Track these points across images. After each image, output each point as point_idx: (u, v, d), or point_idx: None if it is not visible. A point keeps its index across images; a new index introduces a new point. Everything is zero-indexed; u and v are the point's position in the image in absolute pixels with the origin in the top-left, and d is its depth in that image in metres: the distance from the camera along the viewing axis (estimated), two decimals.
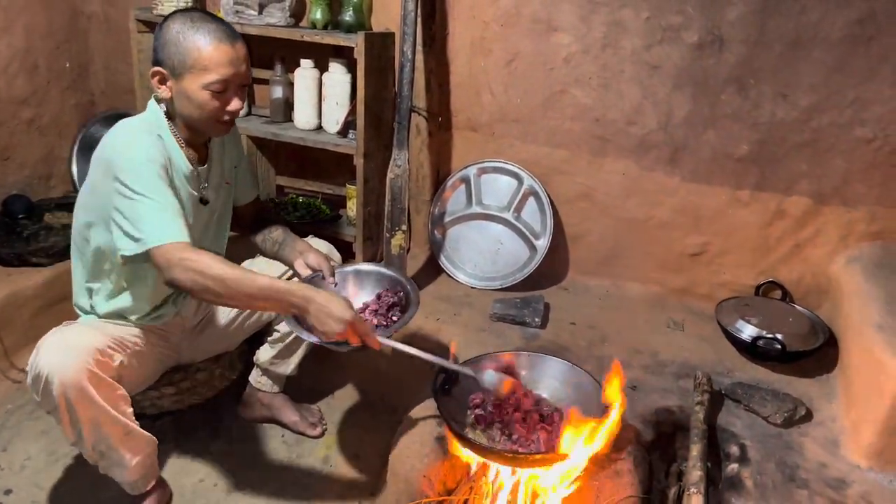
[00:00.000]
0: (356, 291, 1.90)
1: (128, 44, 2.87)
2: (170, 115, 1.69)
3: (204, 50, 1.57)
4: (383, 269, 1.96)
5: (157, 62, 1.62)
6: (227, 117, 1.67)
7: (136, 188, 1.52)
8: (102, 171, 1.58)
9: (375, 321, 1.80)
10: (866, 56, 2.27)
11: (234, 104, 1.66)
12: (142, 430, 1.72)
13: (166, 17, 1.63)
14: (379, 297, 1.87)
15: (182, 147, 1.71)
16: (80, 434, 1.60)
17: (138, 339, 1.79)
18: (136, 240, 1.51)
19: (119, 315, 1.79)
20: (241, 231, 2.07)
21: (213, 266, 1.48)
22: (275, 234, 1.99)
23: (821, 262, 2.54)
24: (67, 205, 2.95)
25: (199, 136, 1.74)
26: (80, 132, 3.24)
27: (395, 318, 1.80)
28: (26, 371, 1.62)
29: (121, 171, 1.53)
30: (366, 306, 1.86)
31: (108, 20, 3.21)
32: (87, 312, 1.82)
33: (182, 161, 1.70)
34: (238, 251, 2.04)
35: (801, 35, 2.31)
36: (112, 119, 3.23)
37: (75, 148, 3.22)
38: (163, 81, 1.63)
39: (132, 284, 1.75)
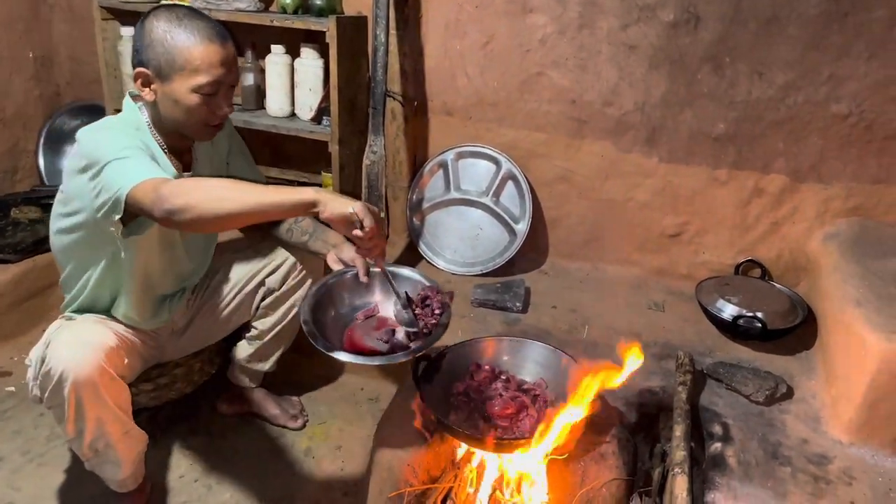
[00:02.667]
0: (385, 296, 1.80)
1: (92, 32, 2.79)
2: (152, 119, 1.61)
3: (194, 50, 1.49)
4: (416, 275, 1.83)
5: (140, 63, 1.52)
6: (215, 121, 1.60)
7: (111, 154, 1.41)
8: (78, 169, 1.48)
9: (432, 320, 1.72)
10: (841, 32, 2.27)
11: (224, 108, 1.59)
12: (138, 428, 1.69)
13: (148, 14, 1.53)
14: (423, 299, 1.76)
15: (164, 152, 1.63)
16: (81, 432, 1.56)
17: (133, 337, 1.75)
18: (115, 202, 1.38)
19: (110, 316, 1.74)
20: (258, 229, 1.95)
21: (206, 182, 1.39)
22: (304, 224, 1.91)
23: (799, 240, 2.55)
24: (35, 199, 2.88)
25: (183, 141, 1.66)
26: (45, 124, 3.17)
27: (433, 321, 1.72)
28: (26, 366, 1.57)
29: (97, 156, 1.43)
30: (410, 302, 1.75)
31: (71, 9, 3.13)
32: (78, 311, 1.75)
33: (167, 164, 1.62)
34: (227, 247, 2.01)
35: (776, 12, 2.30)
36: (79, 110, 3.20)
37: (41, 140, 3.16)
38: (147, 84, 1.54)
39: (135, 290, 1.70)
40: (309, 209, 1.39)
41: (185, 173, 1.69)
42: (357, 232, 1.42)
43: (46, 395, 1.52)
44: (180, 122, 1.58)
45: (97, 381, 1.48)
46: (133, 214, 1.43)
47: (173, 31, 1.49)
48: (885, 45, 2.25)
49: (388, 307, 1.78)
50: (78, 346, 1.50)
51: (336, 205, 1.38)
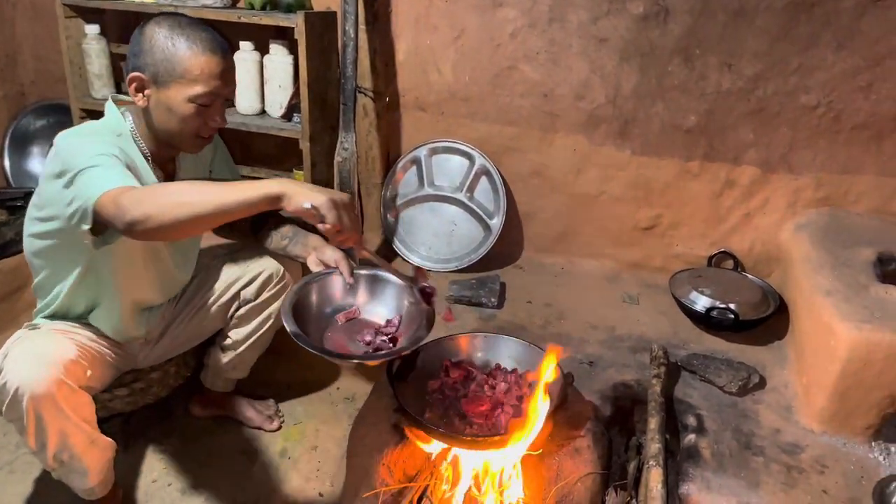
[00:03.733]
0: (368, 298, 1.76)
1: (56, 30, 2.74)
2: (138, 126, 1.58)
3: (195, 60, 1.47)
4: (397, 279, 1.77)
5: (136, 67, 1.50)
6: (207, 133, 1.57)
7: (84, 161, 1.37)
8: (53, 175, 1.43)
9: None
10: (809, 22, 2.29)
11: (218, 120, 1.56)
12: (104, 437, 1.65)
13: (150, 20, 1.51)
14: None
15: (147, 160, 1.59)
16: (43, 445, 1.51)
17: (100, 346, 1.71)
18: (83, 212, 1.35)
19: (83, 323, 1.71)
20: (239, 234, 1.94)
21: (166, 188, 1.35)
22: (283, 229, 1.87)
23: (770, 231, 2.57)
24: (1, 201, 2.82)
25: (169, 150, 1.63)
26: (10, 125, 3.11)
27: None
28: None
29: (72, 164, 1.39)
30: (388, 323, 1.72)
31: (34, 6, 3.06)
32: (50, 317, 1.71)
33: (148, 173, 1.58)
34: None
35: (744, 4, 2.31)
36: (44, 110, 3.14)
37: (6, 141, 3.09)
38: (140, 89, 1.51)
39: (123, 302, 1.67)
40: (274, 203, 1.35)
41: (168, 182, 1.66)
42: (321, 225, 1.39)
43: (4, 408, 1.47)
44: (171, 131, 1.55)
45: (55, 394, 1.44)
46: (104, 224, 1.39)
47: (175, 38, 1.47)
48: (852, 35, 2.27)
49: (369, 309, 1.75)
50: (33, 360, 1.46)
51: (299, 198, 1.35)
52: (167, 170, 1.68)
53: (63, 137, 1.48)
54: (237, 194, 1.33)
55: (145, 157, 1.58)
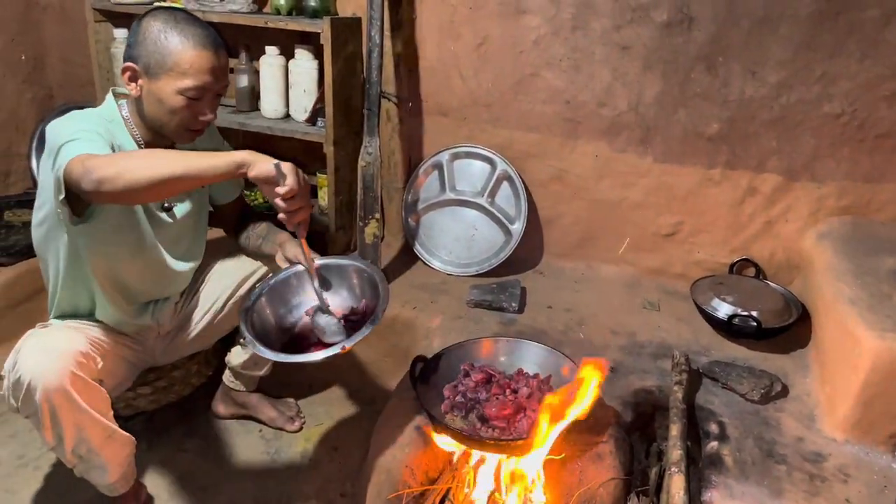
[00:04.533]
0: (333, 288, 1.78)
1: (85, 34, 2.79)
2: (133, 115, 1.63)
3: (185, 53, 1.51)
4: (357, 263, 1.82)
5: (130, 58, 1.55)
6: (196, 126, 1.61)
7: (63, 138, 1.42)
8: (46, 159, 1.49)
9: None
10: (833, 31, 2.28)
11: (207, 115, 1.61)
12: (122, 432, 1.67)
13: (147, 13, 1.56)
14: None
15: (140, 147, 1.64)
16: (60, 438, 1.54)
17: (115, 342, 1.74)
18: (57, 182, 1.38)
19: (94, 320, 1.74)
20: (226, 230, 2.02)
21: (135, 152, 1.40)
22: (259, 229, 1.93)
23: (792, 239, 2.56)
24: (28, 202, 2.87)
25: (162, 140, 1.67)
26: (38, 127, 3.16)
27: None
28: (1, 375, 1.56)
29: (55, 135, 1.46)
30: (352, 311, 1.76)
31: (63, 10, 3.12)
32: (61, 316, 1.75)
33: None
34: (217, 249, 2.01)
35: (769, 12, 2.31)
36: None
37: (34, 143, 3.14)
38: (134, 79, 1.56)
39: (107, 291, 1.70)
40: (239, 169, 1.40)
41: None
42: (277, 189, 1.43)
43: (20, 404, 1.50)
44: (162, 122, 1.59)
45: (68, 387, 1.46)
46: (85, 203, 1.45)
47: (168, 31, 1.52)
48: (876, 44, 2.27)
49: (335, 299, 1.76)
50: (44, 352, 1.48)
51: (262, 164, 1.41)
52: None
53: (51, 123, 1.53)
54: (204, 160, 1.38)
55: (139, 144, 1.64)
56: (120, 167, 1.31)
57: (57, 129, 1.49)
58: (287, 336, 1.74)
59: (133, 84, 1.57)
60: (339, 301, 1.76)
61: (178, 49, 1.51)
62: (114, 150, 1.52)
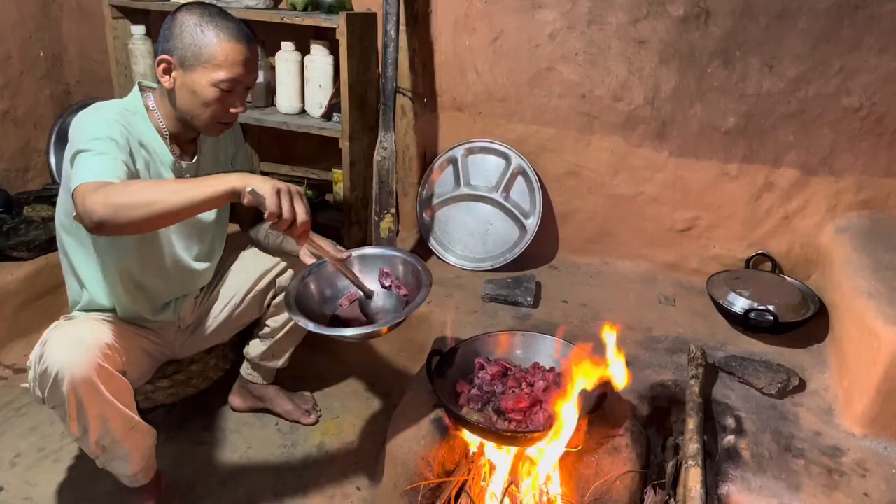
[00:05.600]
0: (365, 276, 1.81)
1: (102, 31, 2.81)
2: (161, 107, 1.66)
3: (221, 46, 1.55)
4: (387, 251, 1.88)
5: (165, 51, 1.58)
6: (227, 118, 1.65)
7: (80, 144, 1.45)
8: (68, 156, 1.52)
9: (404, 291, 1.78)
10: (852, 25, 2.26)
11: (238, 107, 1.64)
12: (144, 423, 1.69)
13: (181, 7, 1.59)
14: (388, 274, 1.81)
15: (164, 138, 1.67)
16: (85, 429, 1.56)
17: (136, 335, 1.76)
18: (70, 198, 1.42)
19: (115, 315, 1.76)
20: (242, 225, 2.04)
21: (131, 187, 1.38)
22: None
23: (810, 233, 2.55)
24: (46, 197, 2.90)
25: (189, 131, 1.71)
26: (56, 123, 3.18)
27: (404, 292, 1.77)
28: (27, 367, 1.58)
29: (74, 134, 1.49)
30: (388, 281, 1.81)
31: (80, 7, 3.14)
32: (83, 310, 1.77)
33: (164, 152, 1.67)
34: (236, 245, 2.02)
35: (786, 5, 2.29)
36: None
37: (52, 139, 3.17)
38: (168, 71, 1.59)
39: (129, 291, 1.72)
40: (234, 198, 1.40)
41: (187, 160, 1.74)
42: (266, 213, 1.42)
43: (46, 394, 1.52)
44: (194, 114, 1.62)
45: (94, 378, 1.48)
46: None
47: (204, 25, 1.55)
48: (895, 38, 2.25)
49: (367, 284, 1.79)
50: (72, 344, 1.50)
51: (247, 188, 1.38)
52: (188, 150, 1.76)
53: (77, 117, 1.56)
54: (198, 191, 1.37)
55: (163, 135, 1.67)
56: (118, 206, 1.33)
57: (77, 128, 1.52)
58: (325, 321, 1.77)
59: (167, 77, 1.60)
60: (373, 285, 1.80)
61: (214, 42, 1.55)
62: (131, 147, 1.55)
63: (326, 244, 1.64)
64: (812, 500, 1.63)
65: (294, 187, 1.42)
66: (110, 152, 1.47)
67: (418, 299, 1.65)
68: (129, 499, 1.81)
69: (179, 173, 1.71)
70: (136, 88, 1.69)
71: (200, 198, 1.37)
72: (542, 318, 2.40)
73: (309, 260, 1.78)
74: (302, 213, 1.41)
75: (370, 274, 1.82)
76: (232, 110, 1.64)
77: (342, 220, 2.71)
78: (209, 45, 1.55)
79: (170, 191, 1.37)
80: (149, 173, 1.63)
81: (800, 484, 1.67)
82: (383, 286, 1.80)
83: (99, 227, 1.35)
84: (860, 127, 2.38)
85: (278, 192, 1.38)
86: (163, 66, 1.59)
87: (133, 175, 1.51)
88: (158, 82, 1.64)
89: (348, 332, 1.64)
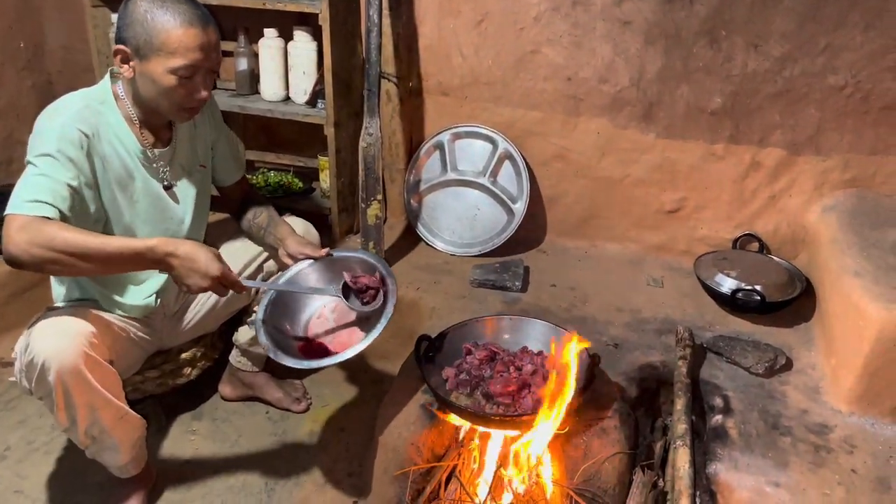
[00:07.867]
0: (332, 278, 1.81)
1: (83, 20, 2.77)
2: (128, 94, 1.63)
3: (173, 32, 1.49)
4: (359, 255, 1.87)
5: (120, 40, 1.54)
6: (191, 104, 1.60)
7: (31, 155, 1.47)
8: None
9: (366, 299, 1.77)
10: (836, 2, 2.26)
11: (202, 92, 1.59)
12: (134, 413, 1.68)
13: None
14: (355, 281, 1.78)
15: (134, 126, 1.64)
16: (73, 419, 1.55)
17: (123, 324, 1.75)
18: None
19: (99, 306, 1.75)
20: (230, 212, 2.02)
21: (56, 237, 1.39)
22: (260, 219, 1.93)
23: (796, 213, 2.55)
24: None
25: (160, 118, 1.68)
26: (39, 114, 3.14)
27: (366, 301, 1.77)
28: (13, 359, 1.57)
29: (31, 138, 1.50)
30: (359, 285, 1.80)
31: None
32: (68, 301, 1.76)
33: (131, 141, 1.64)
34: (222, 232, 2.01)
35: None
36: None
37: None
38: (125, 61, 1.55)
39: (107, 284, 1.72)
40: (167, 270, 1.50)
41: (161, 148, 1.71)
42: None
43: (33, 385, 1.51)
44: (157, 102, 1.59)
45: (81, 366, 1.47)
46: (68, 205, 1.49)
47: (154, 11, 1.50)
48: (880, 14, 2.24)
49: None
50: (58, 333, 1.49)
51: (194, 280, 1.50)
52: (163, 136, 1.73)
53: (39, 116, 1.55)
54: (126, 256, 1.46)
55: (133, 123, 1.64)
56: (35, 257, 1.37)
57: (35, 133, 1.52)
58: (301, 339, 1.78)
59: (125, 66, 1.56)
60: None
61: (166, 28, 1.49)
62: (90, 147, 1.55)
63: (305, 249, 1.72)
64: (799, 478, 1.64)
65: (227, 271, 1.53)
66: (54, 173, 1.46)
67: (382, 322, 1.68)
68: (119, 489, 1.81)
69: (149, 161, 1.68)
70: (107, 76, 1.65)
71: (128, 261, 1.47)
72: (530, 302, 2.40)
73: (288, 260, 1.81)
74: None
75: (334, 280, 1.80)
76: (196, 96, 1.59)
77: (329, 208, 2.70)
78: (161, 32, 1.49)
79: (94, 250, 1.42)
80: (117, 164, 1.61)
81: (787, 461, 1.69)
82: (349, 293, 1.77)
83: (14, 265, 1.39)
84: (846, 105, 2.38)
85: (220, 280, 1.51)
86: (119, 56, 1.55)
87: (82, 189, 1.52)
88: None
89: (325, 362, 1.70)
